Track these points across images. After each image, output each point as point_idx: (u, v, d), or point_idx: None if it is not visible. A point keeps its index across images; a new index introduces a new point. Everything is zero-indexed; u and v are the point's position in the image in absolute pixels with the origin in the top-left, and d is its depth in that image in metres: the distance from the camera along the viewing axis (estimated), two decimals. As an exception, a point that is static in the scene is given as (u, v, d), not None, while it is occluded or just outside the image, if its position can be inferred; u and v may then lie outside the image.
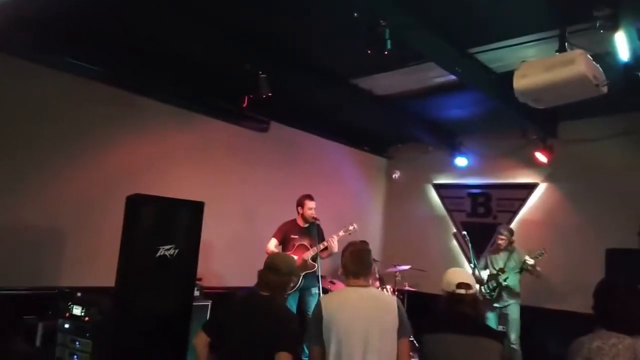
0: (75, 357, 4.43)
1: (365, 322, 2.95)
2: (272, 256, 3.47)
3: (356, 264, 3.14)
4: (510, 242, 6.95)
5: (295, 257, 5.90)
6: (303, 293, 6.01)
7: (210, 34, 5.16)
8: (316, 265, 5.90)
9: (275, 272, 3.29)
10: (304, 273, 5.93)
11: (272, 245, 5.96)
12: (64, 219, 5.45)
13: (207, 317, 3.37)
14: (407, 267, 7.72)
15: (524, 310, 6.77)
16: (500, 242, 7.00)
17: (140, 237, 4.37)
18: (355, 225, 6.22)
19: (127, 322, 4.22)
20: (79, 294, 4.68)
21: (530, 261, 6.62)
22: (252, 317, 3.15)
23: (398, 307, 3.07)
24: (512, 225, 8.08)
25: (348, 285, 3.15)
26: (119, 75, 5.72)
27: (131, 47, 5.43)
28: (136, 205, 4.40)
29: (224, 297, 5.83)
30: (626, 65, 4.43)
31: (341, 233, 6.13)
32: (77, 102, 5.57)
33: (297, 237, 6.08)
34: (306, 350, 5.33)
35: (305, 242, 6.04)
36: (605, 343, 2.58)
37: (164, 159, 6.38)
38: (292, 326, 3.16)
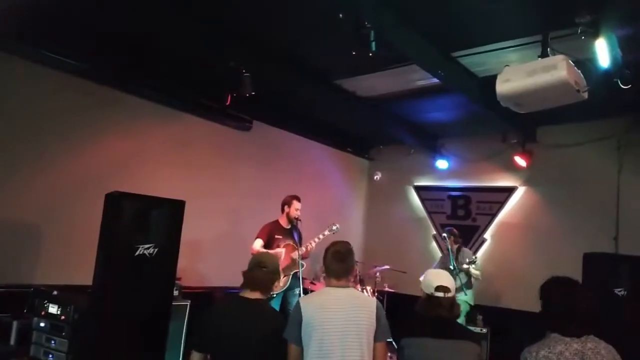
0: (50, 356, 4.36)
1: (343, 322, 2.94)
2: (257, 254, 3.43)
3: (338, 264, 3.12)
4: (456, 242, 7.12)
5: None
6: (287, 294, 6.00)
7: (194, 30, 5.11)
8: (300, 264, 5.88)
9: (262, 269, 3.24)
10: (292, 272, 5.92)
11: (258, 245, 5.88)
12: (41, 215, 5.35)
13: (196, 335, 3.25)
14: (386, 267, 7.74)
15: (502, 313, 6.83)
16: (445, 243, 7.22)
17: (119, 236, 4.30)
18: (338, 225, 6.25)
19: (105, 322, 4.15)
20: (55, 292, 4.62)
21: (465, 266, 6.75)
22: (249, 326, 3.07)
23: (377, 309, 3.05)
24: (491, 228, 8.22)
25: (329, 285, 3.14)
26: (100, 70, 5.63)
27: (113, 42, 5.35)
28: (116, 202, 4.34)
29: (202, 297, 5.79)
30: (606, 72, 4.49)
31: (326, 232, 6.16)
32: (57, 97, 5.47)
33: (280, 237, 6.04)
34: None
35: (291, 242, 6.03)
36: (552, 352, 2.47)
37: (145, 156, 6.31)
38: None
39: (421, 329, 3.04)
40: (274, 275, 3.32)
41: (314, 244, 6.05)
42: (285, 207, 6.11)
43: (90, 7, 4.69)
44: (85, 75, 5.56)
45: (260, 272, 3.23)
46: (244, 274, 3.29)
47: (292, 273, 5.92)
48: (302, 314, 2.97)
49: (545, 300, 2.74)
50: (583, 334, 2.53)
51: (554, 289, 2.73)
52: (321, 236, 6.12)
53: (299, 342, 2.96)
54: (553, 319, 2.63)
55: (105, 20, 4.96)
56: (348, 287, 3.14)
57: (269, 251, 5.64)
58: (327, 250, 3.21)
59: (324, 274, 3.23)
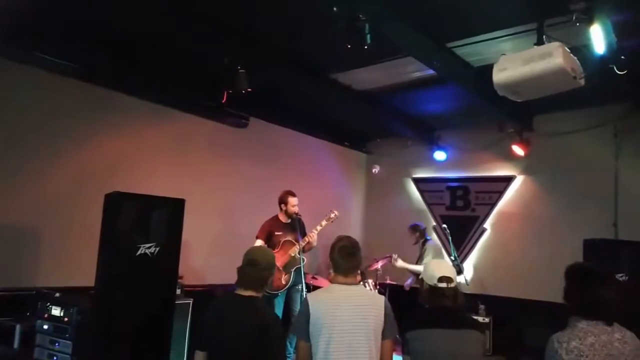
0: (54, 358, 4.38)
1: (351, 321, 2.95)
2: (250, 251, 3.31)
3: (346, 260, 3.10)
4: (421, 236, 7.34)
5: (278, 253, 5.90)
6: (290, 290, 5.99)
7: (188, 27, 5.07)
8: (302, 259, 5.87)
9: (254, 267, 3.18)
10: (294, 268, 5.90)
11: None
12: (41, 217, 5.34)
13: (197, 334, 3.21)
14: (387, 256, 7.74)
15: (504, 302, 6.85)
16: (411, 239, 7.43)
17: (120, 236, 4.32)
18: (336, 212, 6.22)
19: (108, 322, 4.17)
20: (57, 295, 4.63)
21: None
22: (236, 322, 3.05)
23: (385, 307, 3.05)
24: (490, 218, 8.25)
25: (335, 281, 3.11)
26: (93, 71, 5.60)
27: (106, 42, 5.31)
28: (116, 203, 4.34)
29: (204, 295, 5.80)
30: (602, 58, 4.49)
31: (324, 222, 6.14)
32: (51, 99, 5.45)
33: (281, 233, 6.03)
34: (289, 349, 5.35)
35: (290, 238, 6.01)
36: (583, 343, 2.46)
37: (142, 156, 6.30)
38: (278, 331, 3.11)
39: (426, 320, 3.04)
40: (267, 272, 3.25)
41: (313, 237, 6.03)
42: (282, 205, 6.10)
43: (82, 6, 4.64)
44: (78, 75, 5.53)
45: (252, 270, 3.18)
46: (238, 270, 3.23)
47: (293, 270, 5.91)
48: (310, 311, 2.97)
49: (574, 284, 2.70)
50: (610, 320, 2.55)
51: (582, 276, 2.72)
52: (320, 226, 6.10)
53: (308, 338, 2.96)
54: (581, 304, 2.62)
55: (97, 19, 4.92)
56: (356, 284, 3.13)
57: (263, 246, 5.59)
58: (333, 245, 3.18)
59: (330, 270, 3.20)
